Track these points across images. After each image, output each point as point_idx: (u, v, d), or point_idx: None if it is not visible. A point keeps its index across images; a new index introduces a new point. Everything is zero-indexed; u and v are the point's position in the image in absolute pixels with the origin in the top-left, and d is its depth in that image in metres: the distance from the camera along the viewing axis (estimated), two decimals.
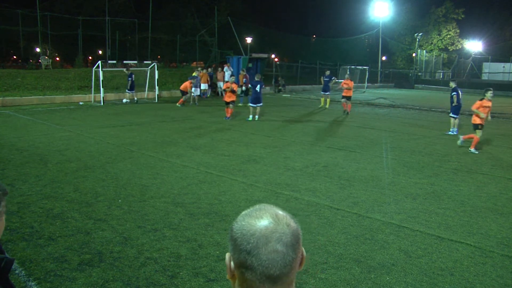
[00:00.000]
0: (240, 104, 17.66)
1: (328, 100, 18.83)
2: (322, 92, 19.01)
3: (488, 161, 8.73)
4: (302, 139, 10.61)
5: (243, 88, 18.70)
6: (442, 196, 6.23)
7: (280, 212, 0.92)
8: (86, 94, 18.63)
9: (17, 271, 3.68)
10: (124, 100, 18.37)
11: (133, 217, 5.04)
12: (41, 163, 7.38)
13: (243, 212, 0.94)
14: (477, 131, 9.57)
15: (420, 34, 40.99)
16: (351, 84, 16.71)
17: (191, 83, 17.58)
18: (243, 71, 20.48)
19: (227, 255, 0.93)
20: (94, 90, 17.80)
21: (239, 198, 5.86)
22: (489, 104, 9.61)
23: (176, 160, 7.94)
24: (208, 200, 5.73)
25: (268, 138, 10.59)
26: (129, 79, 18.00)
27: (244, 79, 19.46)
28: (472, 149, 9.57)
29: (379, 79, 40.06)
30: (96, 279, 3.63)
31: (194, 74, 19.45)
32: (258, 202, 5.72)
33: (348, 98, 16.40)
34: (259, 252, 0.85)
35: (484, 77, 40.01)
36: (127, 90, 18.33)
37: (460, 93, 12.14)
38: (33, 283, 3.53)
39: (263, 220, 0.88)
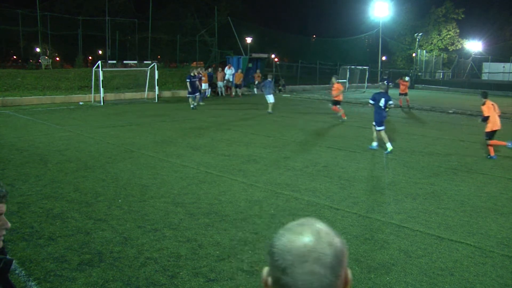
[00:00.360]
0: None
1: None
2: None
3: (488, 161, 8.73)
4: (302, 139, 10.61)
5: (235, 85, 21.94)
6: (442, 196, 6.23)
7: (324, 229, 0.85)
8: (86, 94, 18.63)
9: (17, 271, 3.68)
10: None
11: (133, 217, 5.04)
12: (41, 163, 7.38)
13: (286, 225, 0.87)
14: None
15: (420, 34, 40.96)
16: (341, 88, 15.26)
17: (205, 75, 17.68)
18: (229, 67, 22.71)
19: (265, 270, 0.87)
20: (94, 90, 17.80)
21: (239, 198, 5.86)
22: None
23: (176, 160, 7.94)
24: (208, 200, 5.73)
25: (268, 138, 10.58)
26: None
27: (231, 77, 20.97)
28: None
29: (379, 79, 40.05)
30: (96, 279, 3.63)
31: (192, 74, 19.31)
32: (258, 202, 5.73)
33: (338, 102, 14.95)
34: (294, 271, 0.79)
35: (484, 77, 40.01)
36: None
37: (384, 99, 9.56)
38: (33, 283, 3.53)
39: (303, 237, 0.82)
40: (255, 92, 24.69)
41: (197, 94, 16.43)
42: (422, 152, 9.36)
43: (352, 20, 49.07)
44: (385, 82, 18.76)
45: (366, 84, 32.12)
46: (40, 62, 28.05)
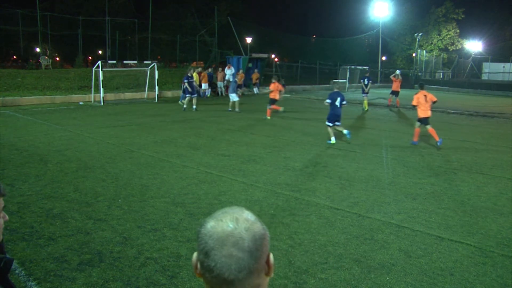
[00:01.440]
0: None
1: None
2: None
3: (488, 161, 8.73)
4: (302, 139, 10.61)
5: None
6: (442, 196, 6.23)
7: (244, 216, 0.92)
8: (86, 94, 18.62)
9: (17, 271, 3.68)
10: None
11: (133, 217, 5.04)
12: (41, 163, 7.38)
13: (213, 214, 0.95)
14: None
15: (420, 34, 40.97)
16: (277, 87, 14.94)
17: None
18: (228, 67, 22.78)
19: (194, 254, 0.94)
20: (94, 90, 17.80)
21: (239, 198, 5.86)
22: None
23: (176, 160, 7.94)
24: (208, 200, 5.73)
25: (268, 138, 10.58)
26: None
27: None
28: None
29: (379, 79, 40.05)
30: (96, 279, 3.63)
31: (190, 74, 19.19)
32: (258, 202, 5.73)
33: (274, 101, 14.68)
34: (214, 254, 0.86)
35: (484, 77, 39.98)
36: None
37: (340, 98, 10.11)
38: (33, 283, 3.53)
39: (223, 223, 0.89)
40: (255, 92, 24.74)
41: (195, 95, 16.21)
42: (422, 152, 9.36)
43: (352, 20, 49.17)
44: (365, 80, 18.75)
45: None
46: (40, 62, 28.07)
